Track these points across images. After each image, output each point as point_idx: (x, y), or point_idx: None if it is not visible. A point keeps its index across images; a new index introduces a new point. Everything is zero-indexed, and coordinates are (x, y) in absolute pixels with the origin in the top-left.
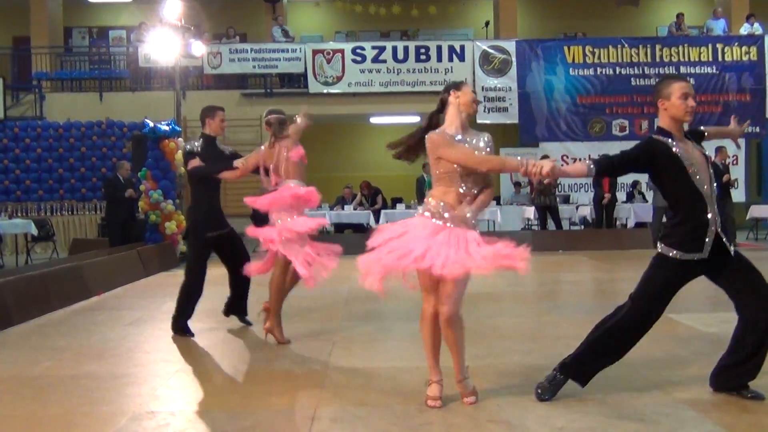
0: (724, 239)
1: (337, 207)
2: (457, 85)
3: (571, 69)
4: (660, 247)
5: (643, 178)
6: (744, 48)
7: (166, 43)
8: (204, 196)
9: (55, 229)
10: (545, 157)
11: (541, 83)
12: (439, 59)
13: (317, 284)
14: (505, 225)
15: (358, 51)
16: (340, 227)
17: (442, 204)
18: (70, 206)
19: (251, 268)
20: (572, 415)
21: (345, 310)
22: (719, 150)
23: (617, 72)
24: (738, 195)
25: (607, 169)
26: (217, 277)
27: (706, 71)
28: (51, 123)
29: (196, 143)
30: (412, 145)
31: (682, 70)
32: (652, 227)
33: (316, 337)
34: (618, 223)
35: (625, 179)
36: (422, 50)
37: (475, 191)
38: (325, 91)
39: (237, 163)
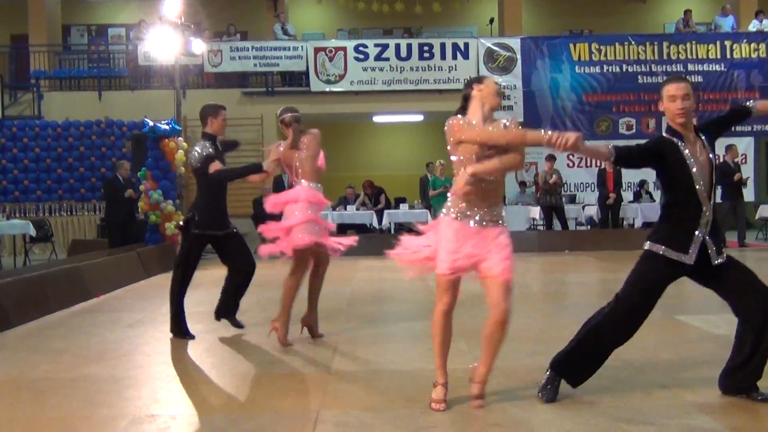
0: (709, 249)
1: (340, 207)
2: (479, 79)
3: (577, 67)
4: (647, 244)
5: (651, 177)
6: (753, 45)
7: (166, 41)
8: (214, 197)
9: (53, 230)
10: (551, 156)
11: (546, 81)
12: (443, 57)
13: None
14: (510, 225)
15: (361, 49)
16: (342, 228)
17: (463, 204)
18: (69, 207)
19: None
20: (580, 418)
21: (347, 312)
22: (729, 148)
23: (624, 69)
24: (747, 195)
25: (625, 157)
26: (219, 279)
27: (714, 69)
28: (49, 122)
29: (208, 145)
30: None
31: (690, 67)
32: None
33: (319, 340)
34: (625, 223)
35: (633, 178)
36: (426, 48)
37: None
38: (327, 89)
39: (266, 166)
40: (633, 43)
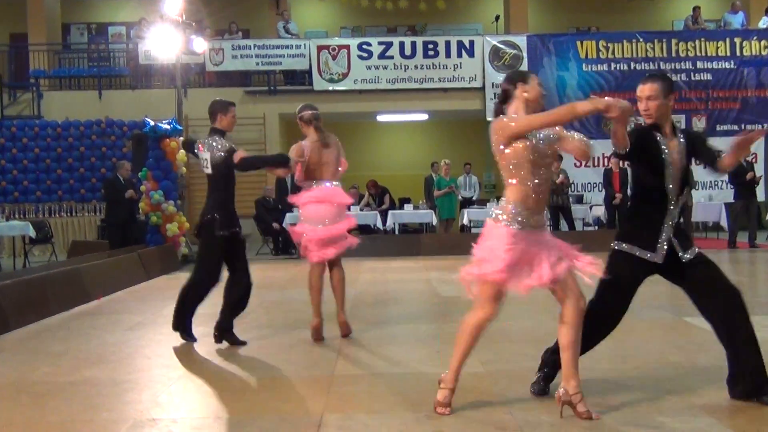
0: (676, 247)
1: None
2: (524, 77)
3: (584, 65)
4: (615, 243)
5: None
6: (763, 42)
7: (167, 39)
8: (226, 194)
9: (53, 231)
10: (558, 156)
11: (553, 79)
12: (448, 55)
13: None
14: None
15: (365, 47)
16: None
17: (515, 207)
18: (69, 207)
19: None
20: (587, 422)
21: (351, 314)
22: None
23: (632, 67)
24: (759, 194)
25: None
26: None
27: (723, 66)
28: (49, 122)
29: (222, 139)
30: None
31: (699, 65)
32: None
33: (322, 343)
34: None
35: None
36: (430, 46)
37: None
38: (330, 88)
39: (295, 160)
40: (641, 40)
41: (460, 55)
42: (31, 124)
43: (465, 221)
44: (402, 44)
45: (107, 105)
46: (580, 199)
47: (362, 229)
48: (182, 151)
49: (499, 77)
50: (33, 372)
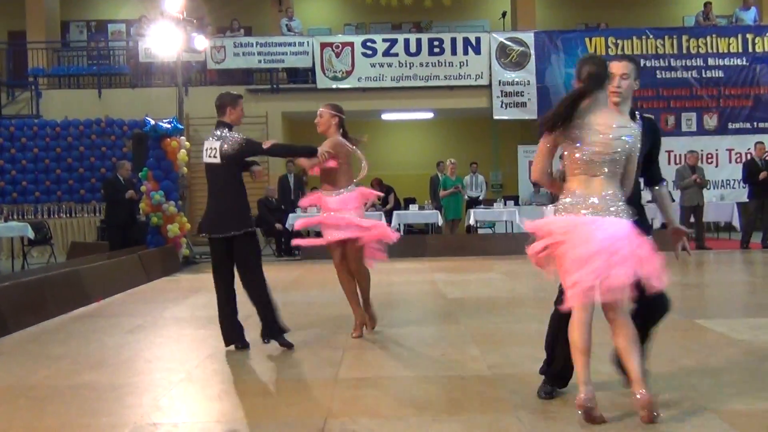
0: None
1: None
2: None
3: None
4: None
5: (670, 177)
6: None
7: (168, 37)
8: (243, 189)
9: (52, 232)
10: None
11: (561, 77)
12: (454, 52)
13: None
14: (523, 226)
15: (369, 44)
16: None
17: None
18: (69, 208)
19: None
20: (596, 426)
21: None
22: (757, 145)
23: (642, 64)
24: None
25: None
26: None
27: (735, 63)
28: (48, 121)
29: (234, 133)
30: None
31: (711, 62)
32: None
33: (326, 346)
34: None
35: None
36: (436, 43)
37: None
38: (333, 86)
39: (323, 154)
40: (651, 36)
41: (466, 53)
42: (30, 124)
43: (471, 222)
44: (407, 41)
45: (107, 104)
46: None
47: None
48: (183, 151)
49: (507, 75)
50: (31, 375)
